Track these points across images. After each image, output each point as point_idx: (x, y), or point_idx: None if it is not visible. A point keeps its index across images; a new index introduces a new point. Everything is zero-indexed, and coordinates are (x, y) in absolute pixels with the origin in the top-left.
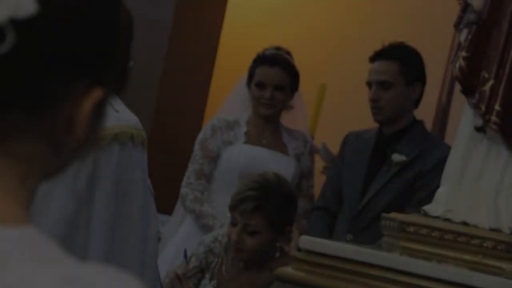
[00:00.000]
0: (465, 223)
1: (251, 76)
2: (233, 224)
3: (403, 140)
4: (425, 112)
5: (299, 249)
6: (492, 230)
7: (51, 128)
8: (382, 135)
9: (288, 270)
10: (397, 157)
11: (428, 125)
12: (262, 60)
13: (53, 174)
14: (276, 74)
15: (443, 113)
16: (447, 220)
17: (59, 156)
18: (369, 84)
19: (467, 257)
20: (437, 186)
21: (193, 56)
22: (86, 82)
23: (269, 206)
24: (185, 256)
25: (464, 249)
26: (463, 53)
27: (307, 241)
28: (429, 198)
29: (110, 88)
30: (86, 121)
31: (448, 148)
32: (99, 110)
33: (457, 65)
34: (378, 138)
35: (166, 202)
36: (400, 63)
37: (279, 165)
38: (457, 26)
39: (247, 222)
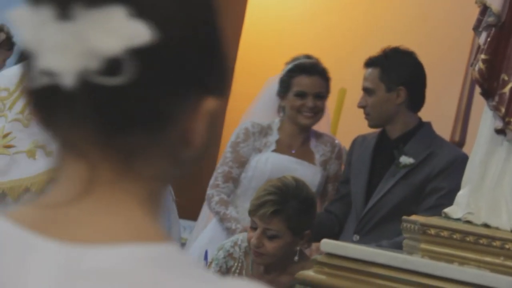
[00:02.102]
0: (486, 225)
1: (287, 86)
2: (253, 228)
3: (410, 142)
4: (445, 116)
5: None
6: None
7: (171, 144)
8: (388, 137)
9: (309, 273)
10: (405, 160)
11: (448, 129)
12: (300, 69)
13: (171, 183)
14: (316, 82)
15: (463, 116)
16: (468, 222)
17: (179, 169)
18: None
19: (488, 259)
20: (448, 192)
21: None
22: (198, 95)
23: (288, 210)
24: (206, 258)
25: (485, 251)
26: (482, 56)
27: (328, 244)
28: (438, 204)
29: (218, 95)
30: (203, 132)
31: (456, 151)
32: (211, 118)
33: (476, 68)
34: (383, 140)
35: (190, 208)
36: (381, 69)
37: (306, 174)
38: (476, 29)
39: (267, 227)
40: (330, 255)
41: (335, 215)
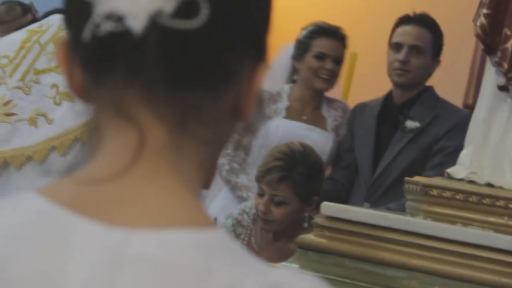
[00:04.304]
0: (489, 185)
1: (306, 47)
2: (260, 194)
3: (415, 106)
4: (458, 79)
5: None
6: None
7: (225, 106)
8: (391, 103)
9: (309, 237)
10: (411, 124)
11: (461, 92)
12: (323, 31)
13: (217, 157)
14: (337, 46)
15: (476, 79)
16: (471, 182)
17: (230, 135)
18: (397, 45)
19: (492, 219)
20: (454, 150)
21: None
22: (255, 57)
23: (295, 176)
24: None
25: (489, 211)
26: (484, 10)
27: (329, 207)
28: (444, 162)
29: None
30: (253, 101)
31: (461, 112)
32: (259, 89)
33: (478, 23)
34: (388, 106)
35: None
36: (433, 34)
37: (317, 140)
38: None
39: (274, 193)
40: (330, 218)
41: (341, 183)
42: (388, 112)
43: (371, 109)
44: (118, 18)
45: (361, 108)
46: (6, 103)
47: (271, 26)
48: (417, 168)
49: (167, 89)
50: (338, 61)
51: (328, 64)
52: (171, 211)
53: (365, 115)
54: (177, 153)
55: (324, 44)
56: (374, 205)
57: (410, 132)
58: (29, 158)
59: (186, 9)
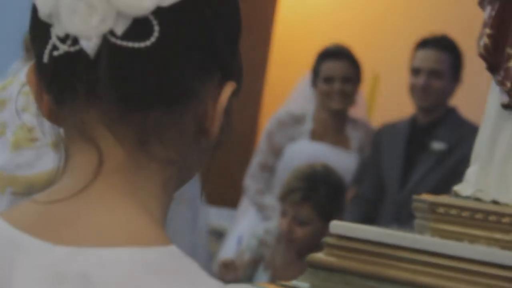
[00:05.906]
0: (495, 202)
1: (316, 72)
2: (283, 215)
3: (440, 128)
4: (480, 98)
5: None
6: None
7: (189, 127)
8: (417, 124)
9: (319, 255)
10: (437, 145)
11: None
12: (326, 54)
13: (189, 177)
14: (343, 66)
15: None
16: (477, 199)
17: (195, 157)
18: (417, 70)
19: (498, 236)
20: None
21: (245, 64)
22: (219, 76)
23: (317, 196)
24: (239, 242)
25: (495, 228)
26: (487, 30)
27: (337, 226)
28: None
29: (238, 84)
30: (221, 117)
31: None
32: (228, 106)
33: (481, 43)
34: (413, 127)
35: (231, 196)
36: (452, 56)
37: (341, 161)
38: (481, 3)
39: (296, 213)
40: (340, 237)
41: (370, 200)
42: (414, 134)
43: (399, 130)
44: (74, 40)
45: (388, 128)
46: (30, 129)
47: (237, 46)
48: (444, 188)
49: (122, 109)
50: (348, 79)
51: (336, 86)
52: (118, 230)
53: (392, 135)
54: (136, 173)
55: (329, 67)
56: (403, 226)
57: (436, 154)
58: (52, 182)
59: (137, 29)
